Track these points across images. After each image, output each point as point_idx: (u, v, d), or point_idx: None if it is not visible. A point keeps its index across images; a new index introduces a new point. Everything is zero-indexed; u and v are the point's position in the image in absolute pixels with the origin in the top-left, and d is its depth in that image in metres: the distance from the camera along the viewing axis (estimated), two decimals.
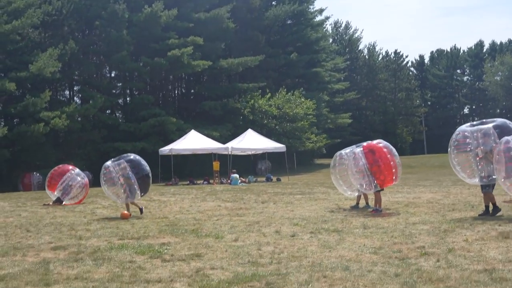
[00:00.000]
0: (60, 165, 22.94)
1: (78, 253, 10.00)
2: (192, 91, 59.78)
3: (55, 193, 21.45)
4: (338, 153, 17.89)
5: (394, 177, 15.37)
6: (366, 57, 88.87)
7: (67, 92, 53.57)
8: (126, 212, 16.09)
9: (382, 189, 15.73)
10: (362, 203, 17.13)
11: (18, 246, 11.05)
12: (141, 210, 16.55)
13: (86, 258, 9.42)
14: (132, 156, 17.20)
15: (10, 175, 41.86)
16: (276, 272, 7.99)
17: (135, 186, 16.32)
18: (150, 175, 17.13)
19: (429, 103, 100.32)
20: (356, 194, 17.24)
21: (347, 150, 17.07)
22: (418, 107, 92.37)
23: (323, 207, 17.26)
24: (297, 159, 52.52)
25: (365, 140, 17.29)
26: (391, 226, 12.26)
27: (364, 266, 8.23)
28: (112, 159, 17.00)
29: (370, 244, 10.14)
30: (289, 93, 55.09)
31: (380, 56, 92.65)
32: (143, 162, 16.99)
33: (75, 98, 52.55)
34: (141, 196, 17.16)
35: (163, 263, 8.91)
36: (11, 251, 10.42)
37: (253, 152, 41.40)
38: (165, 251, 9.98)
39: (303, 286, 7.18)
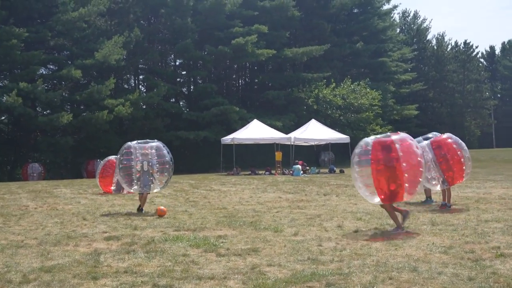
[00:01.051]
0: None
1: (131, 244, 9.63)
2: (256, 80, 59.36)
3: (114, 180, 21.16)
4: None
5: (464, 174, 14.53)
6: (435, 47, 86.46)
7: (131, 80, 53.99)
8: (161, 208, 14.06)
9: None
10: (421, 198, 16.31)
11: (72, 235, 10.78)
12: (140, 209, 14.69)
13: (138, 250, 9.03)
14: (156, 142, 15.15)
15: (75, 162, 42.48)
16: (338, 271, 7.38)
17: (153, 177, 14.62)
18: (172, 163, 14.99)
19: (499, 95, 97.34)
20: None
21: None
22: (488, 99, 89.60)
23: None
24: None
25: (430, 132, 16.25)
26: (461, 223, 11.44)
27: (434, 268, 7.52)
28: (138, 141, 15.13)
29: (439, 242, 9.41)
30: (354, 83, 54.20)
31: (449, 46, 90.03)
32: (167, 149, 15.02)
33: (139, 86, 52.85)
34: (160, 188, 15.45)
35: (217, 258, 8.43)
36: (64, 240, 10.16)
37: (316, 142, 40.67)
38: (221, 244, 9.50)
39: None
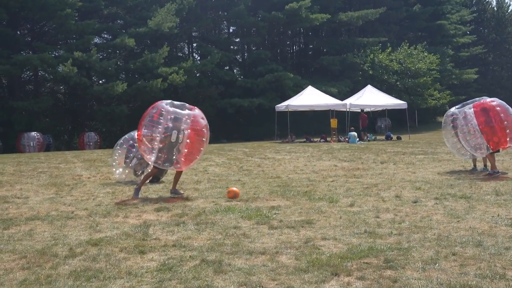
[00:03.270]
0: None
1: (181, 215, 9.36)
2: (310, 46, 58.64)
3: None
4: (450, 110, 16.13)
5: (509, 139, 13.81)
6: (495, 9, 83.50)
7: (185, 48, 53.93)
8: (233, 189, 11.62)
9: (498, 151, 14.31)
10: (480, 165, 15.63)
11: (122, 206, 10.59)
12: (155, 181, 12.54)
13: (188, 222, 8.75)
14: (196, 111, 11.72)
15: (130, 131, 42.59)
16: (397, 246, 6.94)
17: (174, 151, 11.42)
18: (206, 132, 11.58)
19: None
20: (467, 157, 15.66)
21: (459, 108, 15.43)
22: None
23: (448, 169, 15.85)
24: (419, 116, 50.43)
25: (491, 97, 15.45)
26: None
27: (501, 242, 6.99)
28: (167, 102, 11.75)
29: (505, 214, 8.85)
30: (411, 47, 53.01)
31: (510, 7, 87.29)
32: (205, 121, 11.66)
33: (193, 54, 52.73)
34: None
35: (270, 230, 8.07)
36: (114, 211, 9.95)
37: (372, 109, 39.85)
38: (274, 216, 9.15)
39: (428, 266, 6.09)
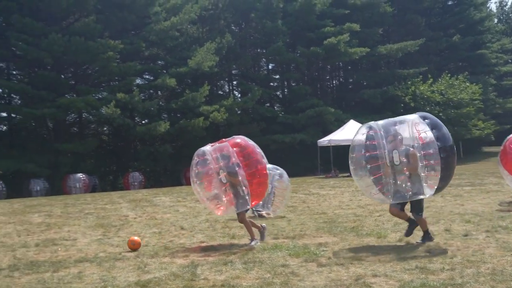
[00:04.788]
0: None
1: (228, 254, 9.31)
2: (350, 79, 58.60)
3: None
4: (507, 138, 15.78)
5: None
6: None
7: (225, 86, 54.39)
8: (133, 238, 10.64)
9: None
10: None
11: (169, 245, 10.60)
12: (261, 231, 10.72)
13: (236, 261, 8.69)
14: (239, 139, 10.94)
15: (174, 170, 43.01)
16: (450, 281, 6.77)
17: (243, 190, 10.12)
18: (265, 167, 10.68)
19: None
20: None
21: None
22: None
23: (497, 201, 15.51)
24: (464, 147, 49.84)
25: None
26: None
27: None
28: (211, 144, 10.85)
29: None
30: (453, 78, 52.59)
31: None
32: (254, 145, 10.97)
33: (233, 91, 53.13)
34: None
35: (319, 268, 7.96)
36: (161, 251, 9.96)
37: None
38: (322, 253, 9.04)
39: None
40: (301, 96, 48.38)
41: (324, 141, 36.62)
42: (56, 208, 20.59)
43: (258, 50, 52.66)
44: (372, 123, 9.54)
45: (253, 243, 10.11)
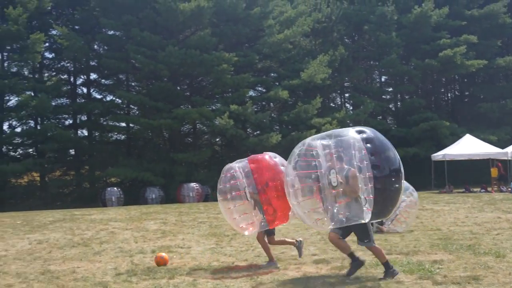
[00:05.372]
0: None
1: (341, 268, 9.25)
2: (466, 93, 56.89)
3: None
4: None
5: None
6: None
7: (337, 99, 54.22)
8: (161, 255, 10.57)
9: None
10: None
11: (281, 257, 10.66)
12: (298, 245, 10.15)
13: (349, 278, 8.60)
14: (263, 155, 10.45)
15: None
16: None
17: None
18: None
19: None
20: None
21: None
22: None
23: None
24: None
25: None
26: None
27: None
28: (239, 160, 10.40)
29: None
30: None
31: None
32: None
33: (345, 104, 52.88)
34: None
35: (434, 286, 7.76)
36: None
37: None
38: (437, 270, 8.80)
39: None
40: (414, 109, 47.54)
41: (439, 155, 35.76)
42: (171, 216, 21.16)
43: (371, 62, 52.28)
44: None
45: (270, 265, 9.79)
